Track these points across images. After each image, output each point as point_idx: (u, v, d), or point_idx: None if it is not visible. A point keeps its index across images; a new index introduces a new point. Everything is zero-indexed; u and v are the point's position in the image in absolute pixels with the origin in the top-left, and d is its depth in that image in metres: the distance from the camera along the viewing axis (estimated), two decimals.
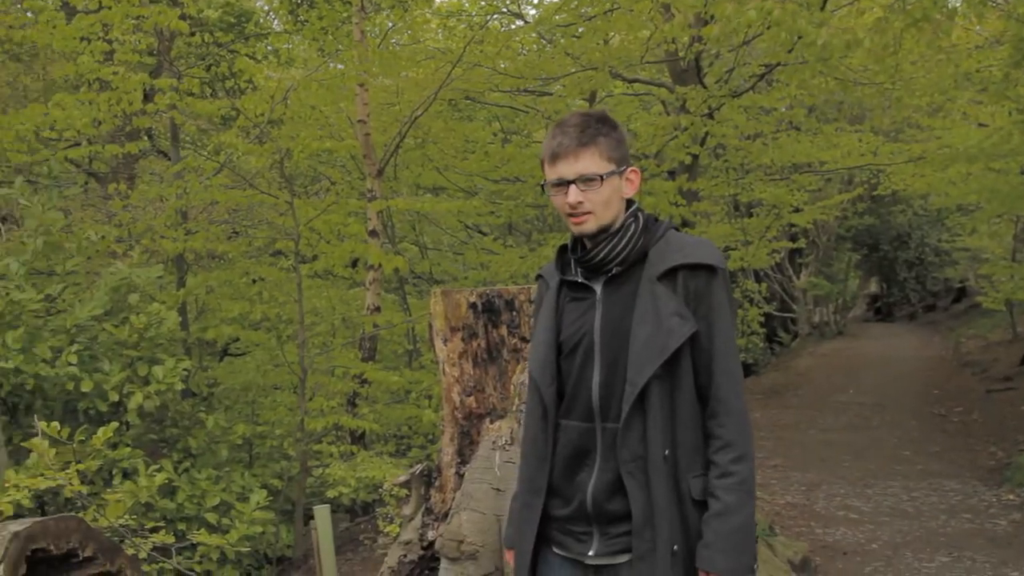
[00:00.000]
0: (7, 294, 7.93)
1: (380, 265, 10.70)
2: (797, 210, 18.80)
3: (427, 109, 11.93)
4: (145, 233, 9.84)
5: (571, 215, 2.88)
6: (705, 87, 13.04)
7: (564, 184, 2.85)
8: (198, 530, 7.80)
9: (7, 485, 6.67)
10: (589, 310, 2.93)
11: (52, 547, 4.75)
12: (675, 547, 2.78)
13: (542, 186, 2.97)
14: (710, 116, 12.69)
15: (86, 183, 13.84)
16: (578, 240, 2.98)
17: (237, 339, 10.87)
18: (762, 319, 22.34)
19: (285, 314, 10.51)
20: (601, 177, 2.83)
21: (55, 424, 6.72)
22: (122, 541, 6.26)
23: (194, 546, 7.68)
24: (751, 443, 2.84)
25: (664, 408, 2.78)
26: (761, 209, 19.15)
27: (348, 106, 12.41)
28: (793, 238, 22.90)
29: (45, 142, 9.79)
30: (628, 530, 2.83)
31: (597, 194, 2.84)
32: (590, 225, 2.86)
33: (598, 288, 2.93)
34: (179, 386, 8.11)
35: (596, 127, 2.86)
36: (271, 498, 8.43)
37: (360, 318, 11.61)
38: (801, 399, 17.06)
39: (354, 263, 13.41)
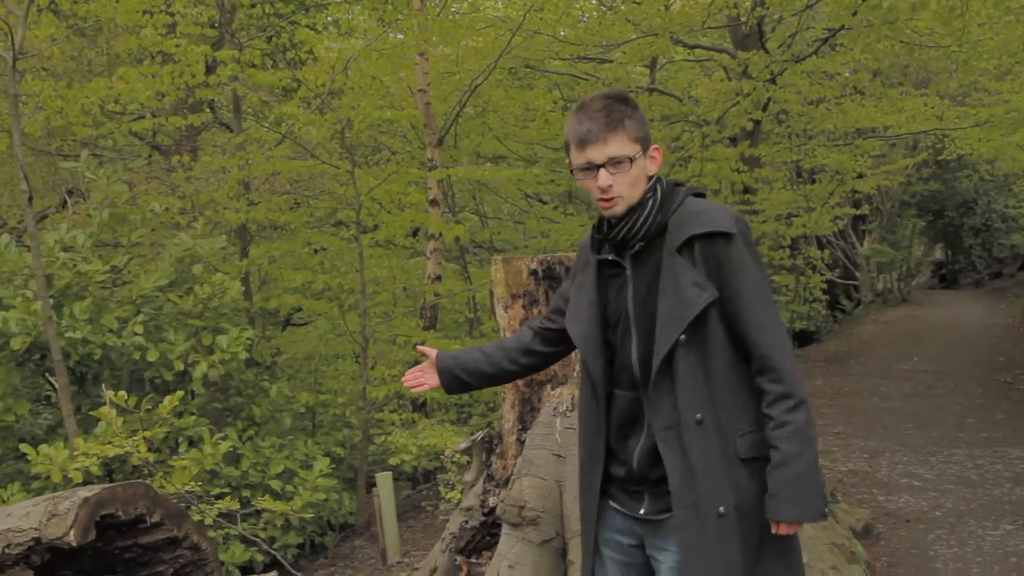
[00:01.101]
0: (74, 266, 8.05)
1: (441, 234, 10.72)
2: (860, 176, 18.53)
3: (487, 78, 11.88)
4: (208, 204, 9.92)
5: (602, 199, 2.91)
6: (767, 52, 12.86)
7: (593, 168, 2.88)
8: (262, 497, 7.92)
9: (76, 453, 6.80)
10: (624, 286, 3.01)
11: (120, 513, 4.83)
12: (721, 508, 2.84)
13: (571, 170, 2.98)
14: (772, 81, 12.52)
15: (150, 156, 13.97)
16: (604, 219, 3.02)
17: (299, 309, 10.95)
18: (824, 286, 22.07)
19: (347, 284, 10.58)
20: (631, 159, 2.88)
21: (122, 393, 6.83)
22: (188, 507, 6.35)
23: (258, 512, 7.79)
24: (802, 391, 2.86)
25: (695, 374, 2.84)
26: (824, 175, 18.90)
27: (408, 76, 12.40)
28: (856, 204, 22.61)
29: (109, 116, 9.90)
30: None
31: (625, 176, 2.88)
32: (620, 208, 2.91)
33: (627, 264, 2.99)
34: (243, 355, 8.21)
35: (621, 109, 2.89)
36: (334, 466, 8.51)
37: (421, 287, 11.64)
38: (863, 367, 16.87)
39: (415, 232, 13.44)
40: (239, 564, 7.51)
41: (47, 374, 7.69)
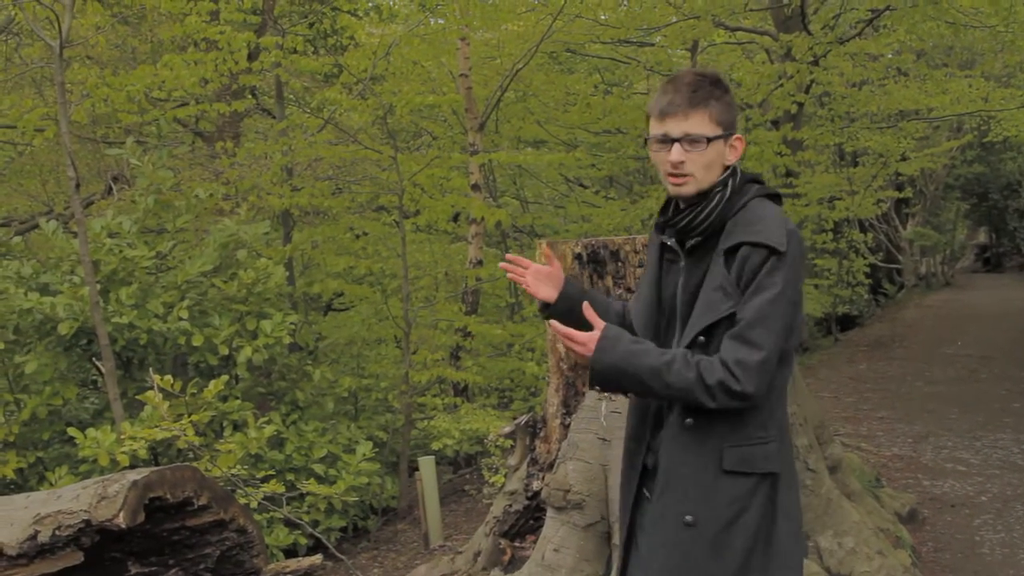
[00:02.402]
0: (120, 251, 8.12)
1: (482, 219, 10.71)
2: (904, 158, 18.35)
3: (528, 62, 11.87)
4: (251, 190, 9.98)
5: (672, 175, 2.83)
6: (810, 34, 12.75)
7: (668, 141, 2.80)
8: (306, 480, 7.97)
9: (123, 437, 6.87)
10: (677, 275, 2.94)
11: (168, 495, 4.89)
12: (688, 518, 2.80)
13: (646, 140, 2.92)
14: (815, 63, 12.41)
15: (193, 142, 14.07)
16: (671, 200, 2.96)
17: (342, 293, 10.99)
18: (867, 270, 21.90)
19: (389, 268, 10.61)
20: (707, 139, 2.79)
21: (168, 377, 6.90)
22: (234, 491, 6.41)
23: (302, 496, 7.84)
24: (711, 397, 2.72)
25: None
26: (867, 158, 18.76)
27: (449, 61, 12.41)
28: (899, 187, 22.38)
29: (154, 103, 9.97)
30: None
31: (701, 156, 2.79)
32: (689, 188, 2.83)
33: (682, 256, 2.93)
34: (286, 340, 8.25)
35: (709, 89, 2.81)
36: (376, 450, 8.55)
37: (463, 272, 11.66)
38: (907, 351, 16.73)
39: (455, 217, 13.46)
40: (283, 547, 7.56)
41: (94, 359, 7.77)
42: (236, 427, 7.89)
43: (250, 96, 12.88)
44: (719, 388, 2.68)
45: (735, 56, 19.17)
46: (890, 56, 17.25)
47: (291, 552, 7.73)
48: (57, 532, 4.60)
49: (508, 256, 3.29)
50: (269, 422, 8.04)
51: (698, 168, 2.80)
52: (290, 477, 7.97)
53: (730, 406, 2.72)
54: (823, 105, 16.87)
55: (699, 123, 2.78)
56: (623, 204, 14.37)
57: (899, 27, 12.11)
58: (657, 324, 3.00)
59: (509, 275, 3.31)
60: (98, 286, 7.77)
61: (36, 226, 9.75)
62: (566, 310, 3.21)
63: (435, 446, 8.74)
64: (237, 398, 8.24)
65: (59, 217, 10.40)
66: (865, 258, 21.17)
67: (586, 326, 2.91)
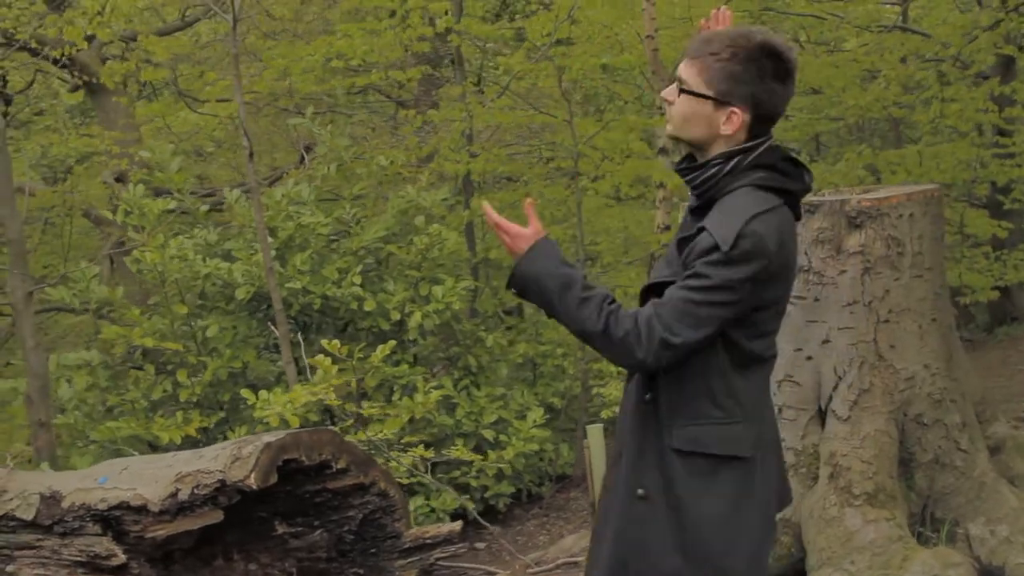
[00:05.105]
0: (298, 218, 8.32)
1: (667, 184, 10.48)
2: None
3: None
4: (432, 157, 10.06)
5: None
6: None
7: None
8: (474, 446, 8.02)
9: (293, 399, 7.04)
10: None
11: (304, 458, 4.95)
12: (640, 491, 2.78)
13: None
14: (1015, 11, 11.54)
15: (396, 111, 14.29)
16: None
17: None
18: None
19: (570, 234, 10.51)
20: (681, 90, 2.78)
21: (336, 342, 7.02)
22: (387, 459, 6.47)
23: (471, 461, 7.88)
24: (611, 351, 2.70)
25: None
26: None
27: (636, 22, 12.16)
28: None
29: (335, 72, 10.12)
30: None
31: (676, 104, 2.81)
32: (669, 128, 2.86)
33: (688, 216, 2.93)
34: (457, 305, 8.29)
35: (719, 48, 2.74)
36: (548, 416, 8.51)
37: (649, 237, 11.45)
38: None
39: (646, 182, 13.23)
40: (449, 511, 7.61)
41: (270, 323, 7.99)
42: (406, 391, 7.97)
43: (449, 64, 12.94)
44: (620, 344, 2.66)
45: (946, 9, 18.11)
46: None
47: (457, 516, 7.77)
48: (195, 491, 4.74)
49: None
50: (440, 387, 8.09)
51: (675, 115, 2.82)
52: (459, 442, 8.00)
53: (624, 366, 2.76)
54: None
55: (688, 71, 2.78)
56: (821, 168, 13.80)
57: None
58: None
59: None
60: (275, 252, 7.99)
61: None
62: None
63: (605, 414, 8.60)
64: (409, 363, 8.34)
65: (242, 186, 10.72)
66: None
67: None
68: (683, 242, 2.79)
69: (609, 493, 2.89)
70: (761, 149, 2.79)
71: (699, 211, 2.82)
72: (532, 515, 8.49)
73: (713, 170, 2.77)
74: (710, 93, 2.74)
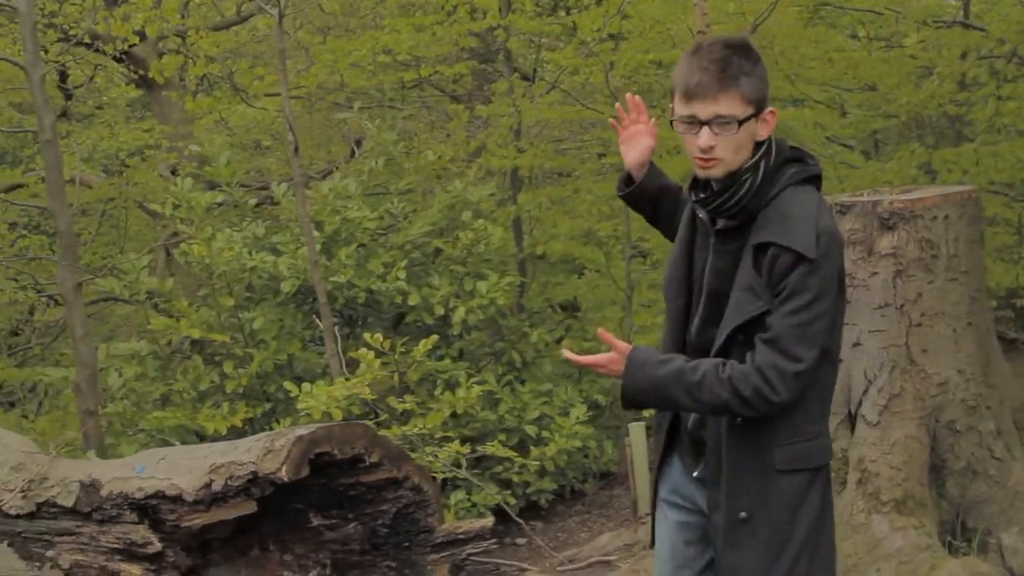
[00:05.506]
0: (344, 212, 8.37)
1: None
2: None
3: (767, 17, 11.40)
4: (480, 152, 10.07)
5: (699, 158, 2.70)
6: None
7: (696, 123, 2.66)
8: (518, 442, 8.03)
9: (335, 392, 7.09)
10: (706, 249, 2.86)
11: (336, 452, 4.99)
12: (743, 514, 2.73)
13: (672, 121, 2.76)
14: None
15: (426, 105, 14.33)
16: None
17: (575, 257, 10.95)
18: None
19: (621, 230, 10.46)
20: (739, 122, 2.63)
21: (378, 336, 7.07)
22: (413, 451, 6.49)
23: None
24: (749, 408, 2.65)
25: None
26: None
27: (688, 17, 12.08)
28: None
29: (383, 67, 10.16)
30: None
31: (731, 139, 2.65)
32: (717, 171, 2.70)
33: (712, 235, 2.83)
34: (501, 301, 8.29)
35: (739, 64, 2.64)
36: (591, 413, 8.49)
37: None
38: None
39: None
40: (490, 506, 7.61)
41: (315, 316, 8.05)
42: (449, 386, 7.99)
43: (501, 58, 12.94)
44: (756, 398, 2.61)
45: (1009, 3, 17.75)
46: None
47: (499, 512, 7.76)
48: (229, 482, 4.80)
49: (630, 98, 3.25)
50: (483, 382, 8.10)
51: (728, 151, 2.66)
52: (501, 437, 8.01)
53: (767, 413, 2.66)
54: None
55: (729, 104, 2.63)
56: (878, 165, 13.61)
57: None
58: (688, 303, 2.93)
59: (611, 120, 3.32)
60: (321, 246, 8.06)
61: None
62: (636, 204, 3.31)
63: (648, 412, 8.58)
64: (453, 358, 8.36)
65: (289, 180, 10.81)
66: None
67: (661, 214, 3.22)
68: (722, 273, 2.75)
69: (713, 512, 2.83)
70: (773, 144, 2.75)
71: (735, 232, 2.76)
72: (575, 512, 8.48)
73: (747, 185, 2.70)
74: (753, 110, 2.67)
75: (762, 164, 2.71)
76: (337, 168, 10.89)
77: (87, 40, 9.23)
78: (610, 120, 3.36)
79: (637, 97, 3.26)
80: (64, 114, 13.54)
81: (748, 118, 2.65)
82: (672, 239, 3.14)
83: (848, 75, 12.92)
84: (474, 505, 7.63)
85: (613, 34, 10.74)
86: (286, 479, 4.72)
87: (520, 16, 9.33)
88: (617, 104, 3.30)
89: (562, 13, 12.83)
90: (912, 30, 17.74)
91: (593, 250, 10.21)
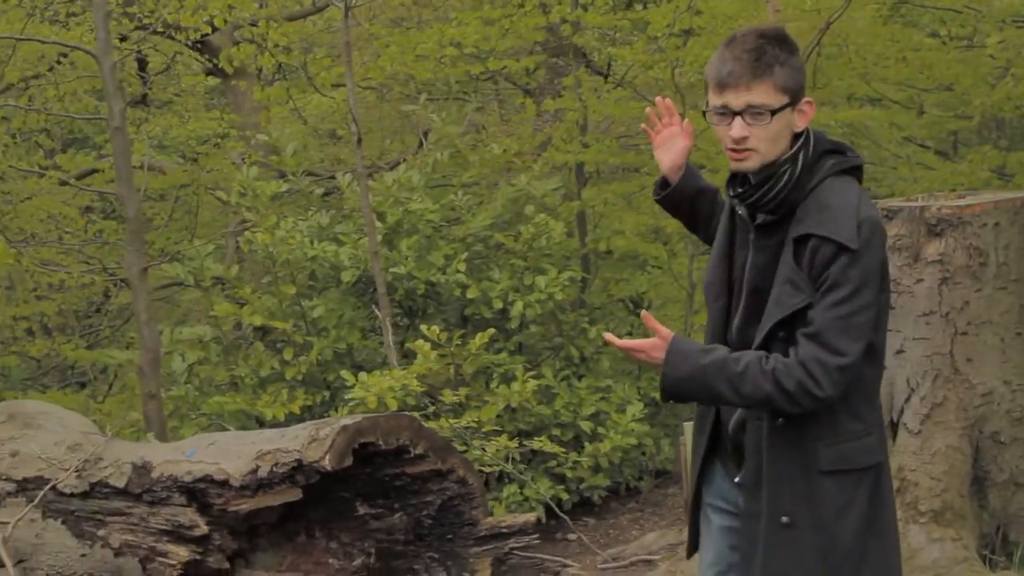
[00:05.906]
0: (406, 203, 8.43)
1: None
2: None
3: (841, 14, 11.24)
4: (545, 146, 10.07)
5: (732, 149, 2.65)
6: None
7: (729, 114, 2.62)
8: (573, 438, 8.03)
9: (391, 382, 7.14)
10: (746, 247, 2.80)
11: (380, 442, 5.04)
12: (785, 518, 2.67)
13: (704, 113, 2.73)
14: None
15: (524, 99, 14.33)
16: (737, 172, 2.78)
17: (639, 254, 10.91)
18: None
19: (682, 227, 10.42)
20: (772, 112, 2.59)
21: (435, 328, 7.12)
22: (465, 445, 6.52)
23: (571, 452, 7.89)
24: (793, 403, 2.59)
25: None
26: None
27: (760, 13, 11.96)
28: None
29: (454, 59, 10.18)
30: None
31: (765, 130, 2.60)
32: (752, 163, 2.66)
33: (752, 231, 2.77)
34: (560, 295, 8.29)
35: (773, 53, 2.59)
36: (646, 410, 8.45)
37: None
38: None
39: None
40: (543, 501, 7.62)
41: (374, 306, 8.12)
42: (505, 380, 8.01)
43: (570, 53, 12.94)
44: (800, 392, 2.56)
45: None
46: None
47: (550, 506, 7.78)
48: (274, 468, 4.88)
49: (660, 101, 3.22)
50: (538, 376, 8.11)
51: (762, 142, 2.62)
52: (556, 432, 8.02)
53: (812, 409, 2.59)
54: None
55: (763, 94, 2.58)
56: (955, 167, 13.37)
57: None
58: (728, 304, 2.87)
59: (643, 126, 3.31)
60: (382, 237, 8.12)
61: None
62: (674, 207, 3.28)
63: None
64: (511, 351, 8.38)
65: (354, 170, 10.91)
66: None
67: (699, 216, 3.16)
68: (763, 269, 2.71)
69: (751, 520, 2.78)
70: (811, 135, 2.71)
71: (774, 226, 2.71)
72: (627, 509, 8.46)
73: (785, 177, 2.65)
74: (788, 100, 2.63)
75: (800, 155, 2.67)
76: (405, 159, 10.96)
77: (160, 28, 9.38)
78: (642, 126, 3.34)
79: (668, 100, 3.23)
80: (143, 100, 13.78)
81: (782, 108, 2.61)
82: (710, 243, 3.09)
83: (923, 75, 12.71)
84: (526, 499, 7.63)
85: (685, 30, 10.67)
86: (329, 468, 4.78)
87: (590, 11, 9.31)
88: (648, 109, 3.27)
89: (639, 7, 12.79)
90: (994, 30, 17.42)
91: (657, 247, 10.16)
